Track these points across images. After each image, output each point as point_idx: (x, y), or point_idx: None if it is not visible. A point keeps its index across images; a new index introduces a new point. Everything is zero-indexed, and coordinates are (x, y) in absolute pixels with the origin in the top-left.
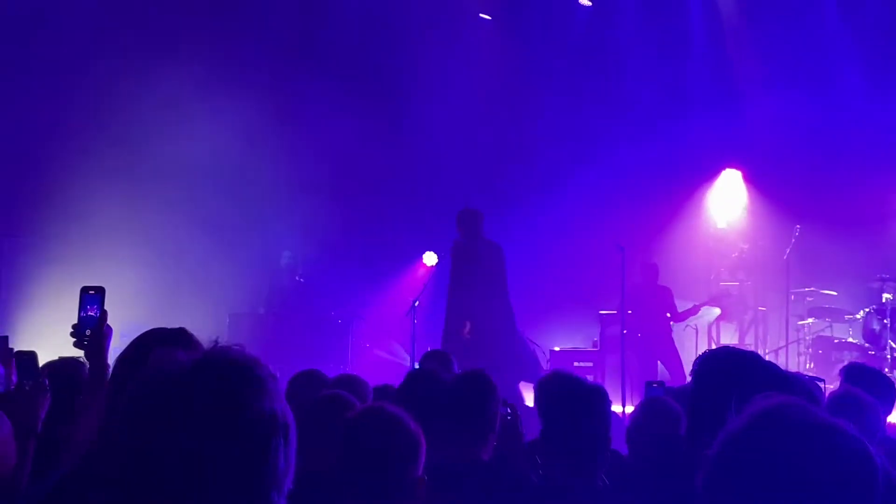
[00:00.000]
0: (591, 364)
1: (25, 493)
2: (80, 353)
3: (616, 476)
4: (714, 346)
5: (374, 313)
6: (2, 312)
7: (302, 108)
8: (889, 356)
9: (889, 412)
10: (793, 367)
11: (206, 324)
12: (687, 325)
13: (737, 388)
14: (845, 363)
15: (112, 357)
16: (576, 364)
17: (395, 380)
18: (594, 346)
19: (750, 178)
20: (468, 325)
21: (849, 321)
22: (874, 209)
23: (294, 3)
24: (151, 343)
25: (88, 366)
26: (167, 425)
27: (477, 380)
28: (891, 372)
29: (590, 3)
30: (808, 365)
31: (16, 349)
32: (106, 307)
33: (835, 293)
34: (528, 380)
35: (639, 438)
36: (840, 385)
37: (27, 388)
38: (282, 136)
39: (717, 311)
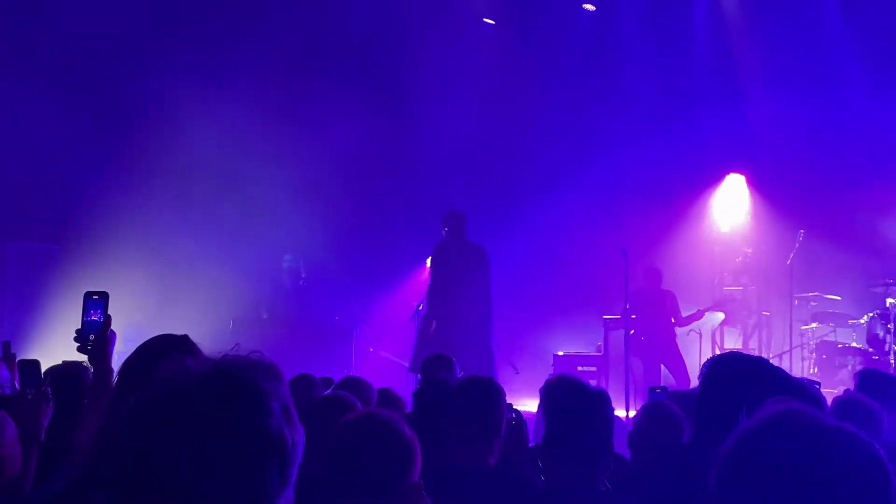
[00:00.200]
0: (594, 369)
1: (28, 496)
2: (84, 357)
3: (618, 480)
4: (718, 351)
5: (378, 317)
6: (8, 316)
7: (305, 112)
8: (893, 361)
9: None
10: (796, 372)
11: (209, 328)
12: (690, 330)
13: (744, 393)
14: (849, 367)
15: (115, 361)
16: (580, 368)
17: (399, 383)
18: (598, 350)
19: (753, 183)
20: (433, 324)
21: (853, 326)
22: (878, 213)
23: (297, 6)
24: (156, 349)
25: (92, 370)
26: (168, 430)
27: (485, 385)
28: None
29: (593, 8)
30: (811, 370)
31: (21, 354)
32: (109, 311)
33: (838, 298)
34: None
35: (641, 443)
36: (854, 389)
37: (29, 396)
38: (285, 139)
39: (721, 315)
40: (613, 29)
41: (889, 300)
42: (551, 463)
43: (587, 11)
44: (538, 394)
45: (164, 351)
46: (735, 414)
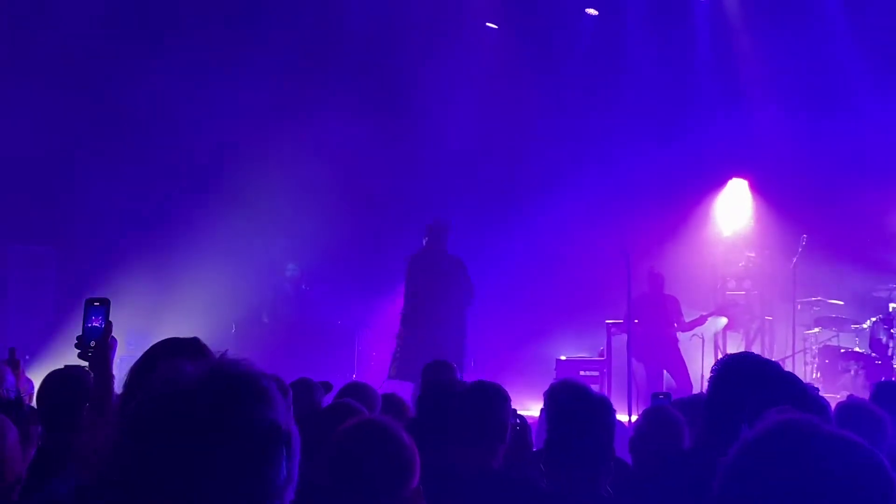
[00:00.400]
0: (597, 373)
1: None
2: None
3: (620, 485)
4: (720, 356)
5: (380, 322)
6: (11, 320)
7: (307, 114)
8: None
9: None
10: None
11: (211, 333)
12: (693, 335)
13: (755, 395)
14: (852, 371)
15: (118, 367)
16: (582, 373)
17: (402, 386)
18: (601, 355)
19: (756, 188)
20: (407, 335)
21: (855, 331)
22: (881, 218)
23: (302, 11)
24: (164, 354)
25: (93, 376)
26: (171, 432)
27: (490, 390)
28: None
29: (596, 12)
30: (814, 374)
31: (22, 355)
32: (112, 317)
33: (841, 303)
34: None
35: (642, 447)
36: (868, 399)
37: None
38: (286, 142)
39: (724, 320)
40: (616, 32)
41: (892, 305)
42: (553, 467)
43: (589, 15)
44: (541, 398)
45: (173, 354)
46: (744, 413)
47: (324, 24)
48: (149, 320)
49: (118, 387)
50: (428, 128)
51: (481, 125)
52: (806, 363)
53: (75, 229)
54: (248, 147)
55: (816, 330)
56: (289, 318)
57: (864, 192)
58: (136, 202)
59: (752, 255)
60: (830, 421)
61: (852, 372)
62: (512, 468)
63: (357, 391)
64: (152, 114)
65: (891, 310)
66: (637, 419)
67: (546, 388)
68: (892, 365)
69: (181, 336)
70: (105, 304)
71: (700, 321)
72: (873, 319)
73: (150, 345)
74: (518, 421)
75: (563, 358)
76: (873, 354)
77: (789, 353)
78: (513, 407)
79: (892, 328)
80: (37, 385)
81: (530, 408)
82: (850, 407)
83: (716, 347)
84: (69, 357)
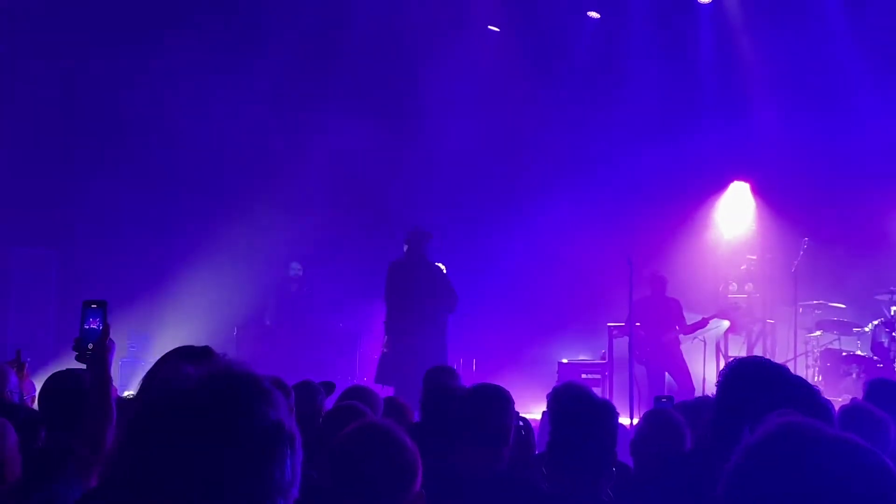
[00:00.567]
0: (599, 376)
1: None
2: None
3: (621, 487)
4: (722, 359)
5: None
6: (12, 322)
7: (309, 117)
8: None
9: None
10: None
11: (213, 336)
12: (695, 338)
13: (764, 398)
14: (853, 375)
15: (117, 368)
16: (584, 376)
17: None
18: (602, 358)
19: (758, 191)
20: (385, 338)
21: (857, 334)
22: (882, 221)
23: (302, 12)
24: (177, 360)
25: (89, 378)
26: (174, 432)
27: (493, 393)
28: None
29: (598, 16)
30: (816, 378)
31: (23, 357)
32: (108, 320)
33: (843, 306)
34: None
35: (643, 450)
36: (862, 398)
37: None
38: (288, 144)
39: (726, 323)
40: (618, 36)
41: (894, 308)
42: (556, 469)
43: (592, 19)
44: (542, 400)
45: (185, 361)
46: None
47: (325, 26)
48: (150, 323)
49: (123, 390)
50: (429, 129)
51: (482, 127)
52: (807, 366)
53: (76, 232)
54: (248, 147)
55: (818, 333)
56: (292, 320)
57: (865, 195)
58: (136, 204)
59: (754, 257)
60: (834, 424)
61: (854, 375)
62: (515, 471)
63: (359, 394)
64: (152, 114)
65: (892, 313)
66: (638, 422)
67: (548, 390)
68: (893, 368)
69: (179, 336)
70: (102, 306)
71: (702, 324)
72: (875, 323)
73: (153, 348)
74: (522, 423)
75: (564, 361)
76: (875, 358)
77: (791, 356)
78: (515, 409)
79: (893, 331)
80: (38, 387)
81: (532, 410)
82: (852, 410)
83: (717, 350)
84: (70, 359)
